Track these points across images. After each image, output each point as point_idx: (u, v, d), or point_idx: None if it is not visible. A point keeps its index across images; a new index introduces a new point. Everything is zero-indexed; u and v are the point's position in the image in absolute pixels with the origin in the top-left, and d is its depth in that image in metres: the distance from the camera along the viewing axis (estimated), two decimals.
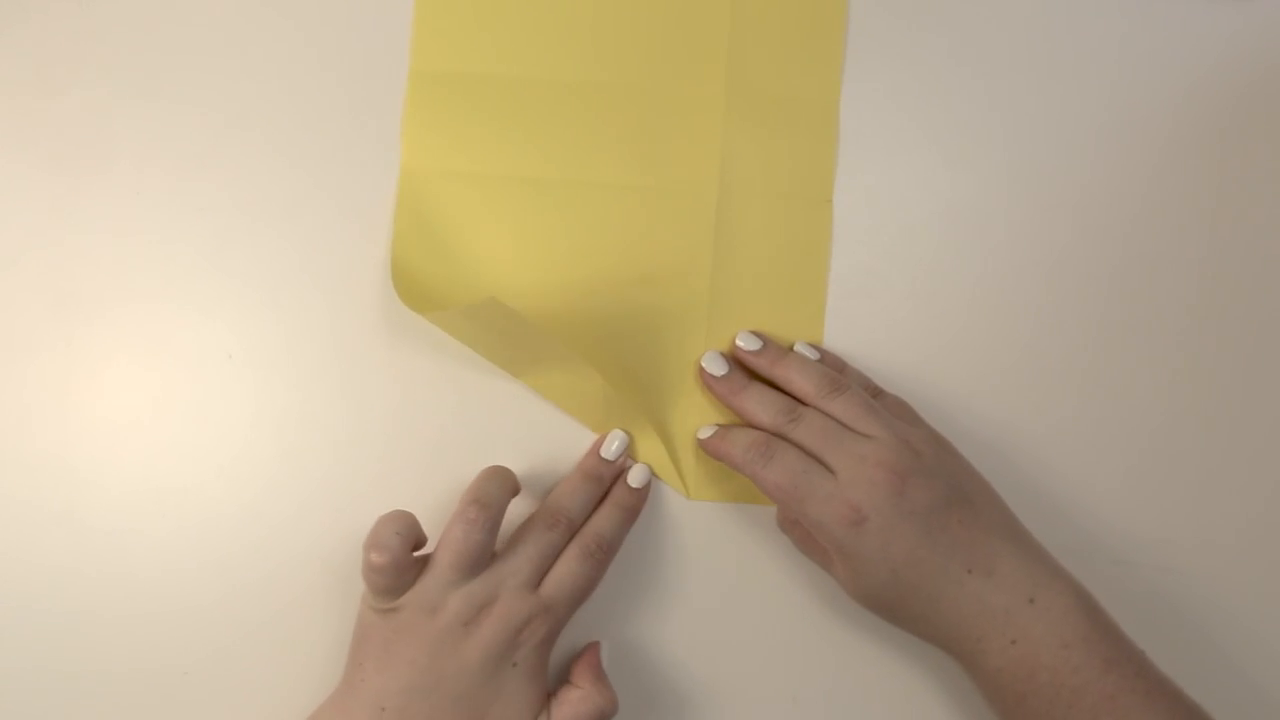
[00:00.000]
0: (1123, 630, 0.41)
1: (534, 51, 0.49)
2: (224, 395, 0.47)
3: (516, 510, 0.45)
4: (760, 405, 0.45)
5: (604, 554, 0.44)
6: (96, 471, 0.47)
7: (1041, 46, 0.50)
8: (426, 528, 0.42)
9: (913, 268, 0.49)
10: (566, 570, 0.43)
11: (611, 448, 0.47)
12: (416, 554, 0.42)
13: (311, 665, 0.45)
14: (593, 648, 0.45)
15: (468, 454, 0.47)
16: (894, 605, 0.42)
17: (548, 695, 0.43)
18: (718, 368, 0.46)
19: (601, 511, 0.46)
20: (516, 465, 0.47)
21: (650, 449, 0.48)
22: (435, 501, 0.45)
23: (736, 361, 0.47)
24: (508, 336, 0.45)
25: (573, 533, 0.44)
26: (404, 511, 0.42)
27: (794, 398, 0.45)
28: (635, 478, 0.47)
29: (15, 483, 0.47)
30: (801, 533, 0.46)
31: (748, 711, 0.47)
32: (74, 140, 0.48)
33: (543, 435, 0.47)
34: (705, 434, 0.46)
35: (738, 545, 0.48)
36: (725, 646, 0.47)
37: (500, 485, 0.43)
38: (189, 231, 0.48)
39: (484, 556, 0.42)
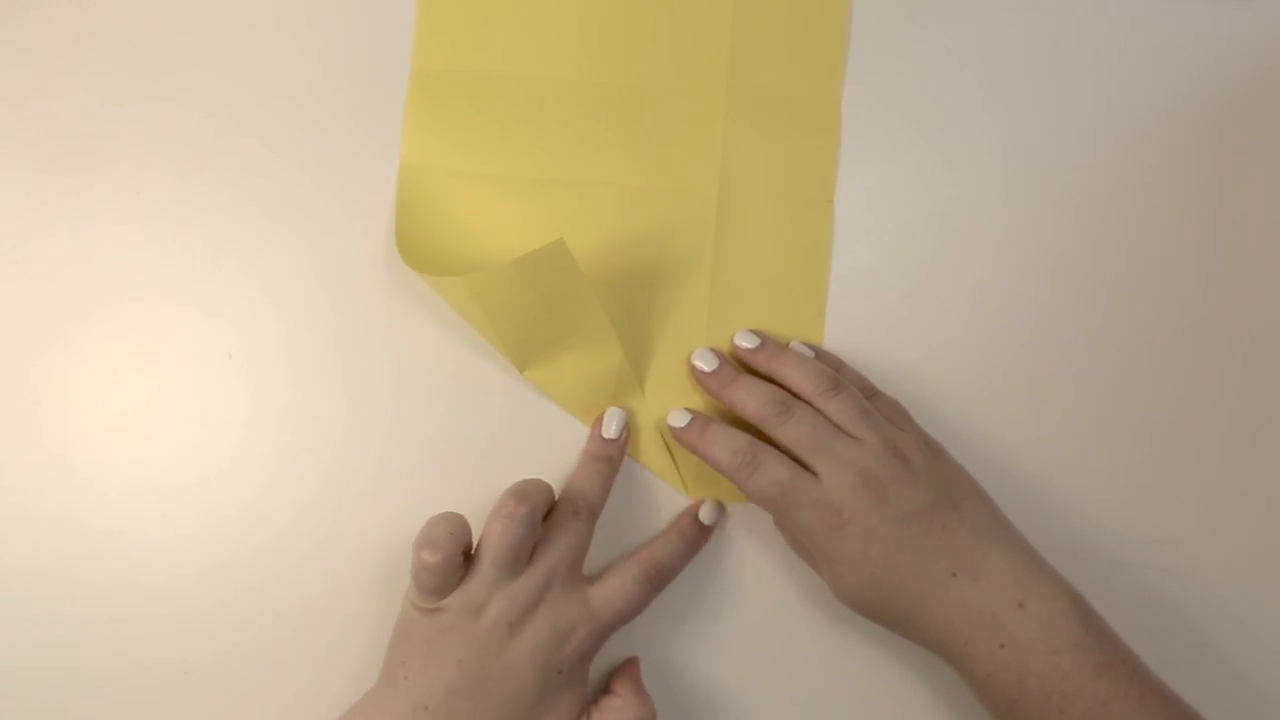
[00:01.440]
0: (1118, 635, 0.41)
1: (536, 51, 0.49)
2: (224, 394, 0.47)
3: None
4: (749, 396, 0.45)
5: (660, 581, 0.44)
6: (97, 471, 0.47)
7: (1042, 47, 0.50)
8: None
9: (913, 268, 0.49)
10: (621, 587, 0.43)
11: (611, 426, 0.46)
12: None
13: (312, 664, 0.45)
14: (633, 661, 0.46)
15: (468, 453, 0.47)
16: (879, 608, 0.42)
17: (586, 704, 0.43)
18: (707, 363, 0.46)
19: (666, 539, 0.46)
20: (517, 464, 0.47)
21: (650, 447, 0.48)
22: (437, 500, 0.45)
23: (731, 358, 0.47)
24: (543, 295, 0.44)
25: (595, 515, 0.44)
26: (456, 513, 0.42)
27: (792, 395, 0.45)
28: (706, 515, 0.46)
29: (15, 483, 0.47)
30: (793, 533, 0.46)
31: (747, 712, 0.47)
32: (74, 140, 0.48)
33: (545, 434, 0.47)
34: (679, 421, 0.46)
35: (736, 545, 0.48)
36: (724, 647, 0.47)
37: (537, 486, 0.43)
38: (189, 231, 0.48)
39: (524, 552, 0.42)
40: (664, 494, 0.48)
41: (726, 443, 0.44)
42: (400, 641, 0.42)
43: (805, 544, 0.44)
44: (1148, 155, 0.49)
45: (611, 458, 0.46)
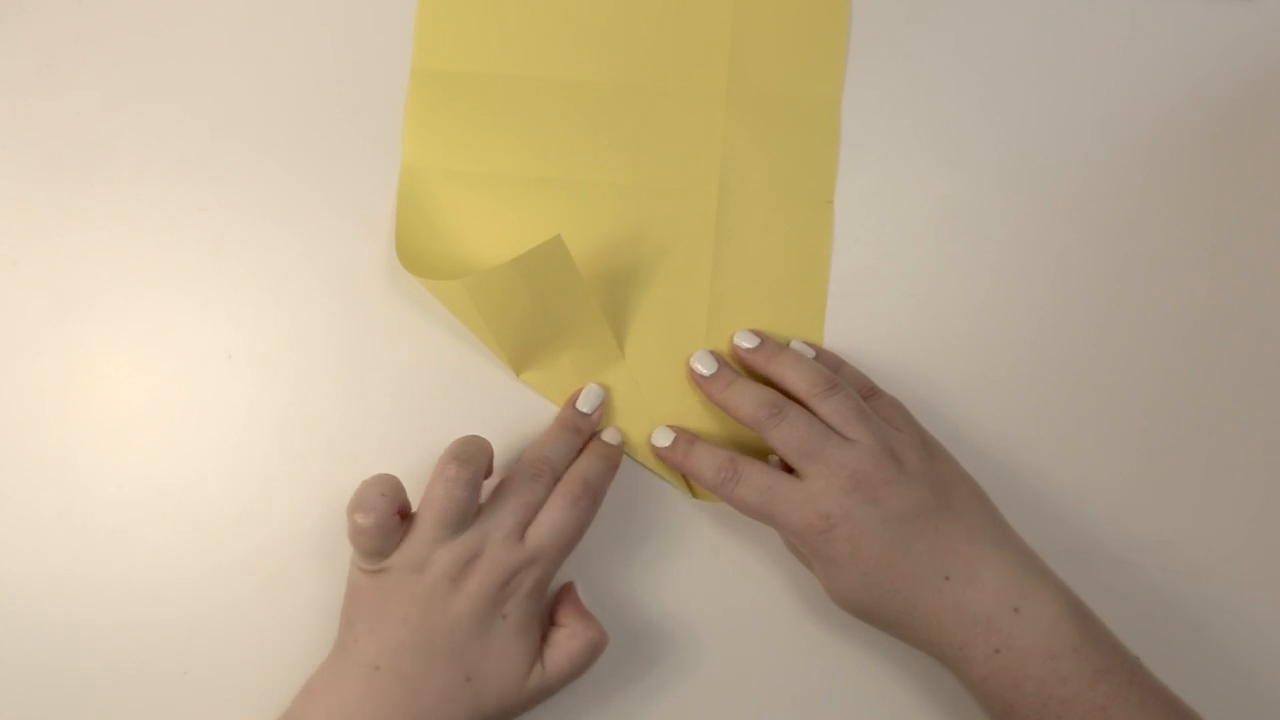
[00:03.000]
0: (1116, 638, 0.41)
1: (536, 51, 0.49)
2: (223, 394, 0.47)
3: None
4: (743, 399, 0.45)
5: (589, 500, 0.44)
6: (97, 470, 0.47)
7: (1042, 47, 0.50)
8: None
9: (913, 268, 0.49)
10: (550, 518, 0.43)
11: (589, 401, 0.47)
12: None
13: (313, 663, 0.45)
14: (568, 587, 0.46)
15: None
16: (872, 610, 0.42)
17: (539, 648, 0.43)
18: (706, 366, 0.46)
19: (584, 457, 0.45)
20: (514, 462, 0.47)
21: (651, 448, 0.47)
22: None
23: (732, 359, 0.47)
24: (540, 295, 0.44)
25: (556, 481, 0.44)
26: (388, 475, 0.42)
27: (790, 396, 0.45)
28: (609, 437, 0.47)
29: (15, 482, 0.47)
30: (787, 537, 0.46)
31: (746, 711, 0.47)
32: (74, 140, 0.48)
33: (541, 433, 0.47)
34: (662, 441, 0.46)
35: (738, 545, 0.48)
36: (725, 646, 0.47)
37: (478, 447, 0.43)
38: (189, 231, 0.48)
39: (467, 513, 0.42)
40: (665, 494, 0.48)
41: (709, 460, 0.44)
42: (350, 605, 0.43)
43: (798, 547, 0.44)
44: (1148, 155, 0.49)
45: (581, 429, 0.46)
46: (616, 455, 0.46)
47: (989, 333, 0.49)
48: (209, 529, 0.47)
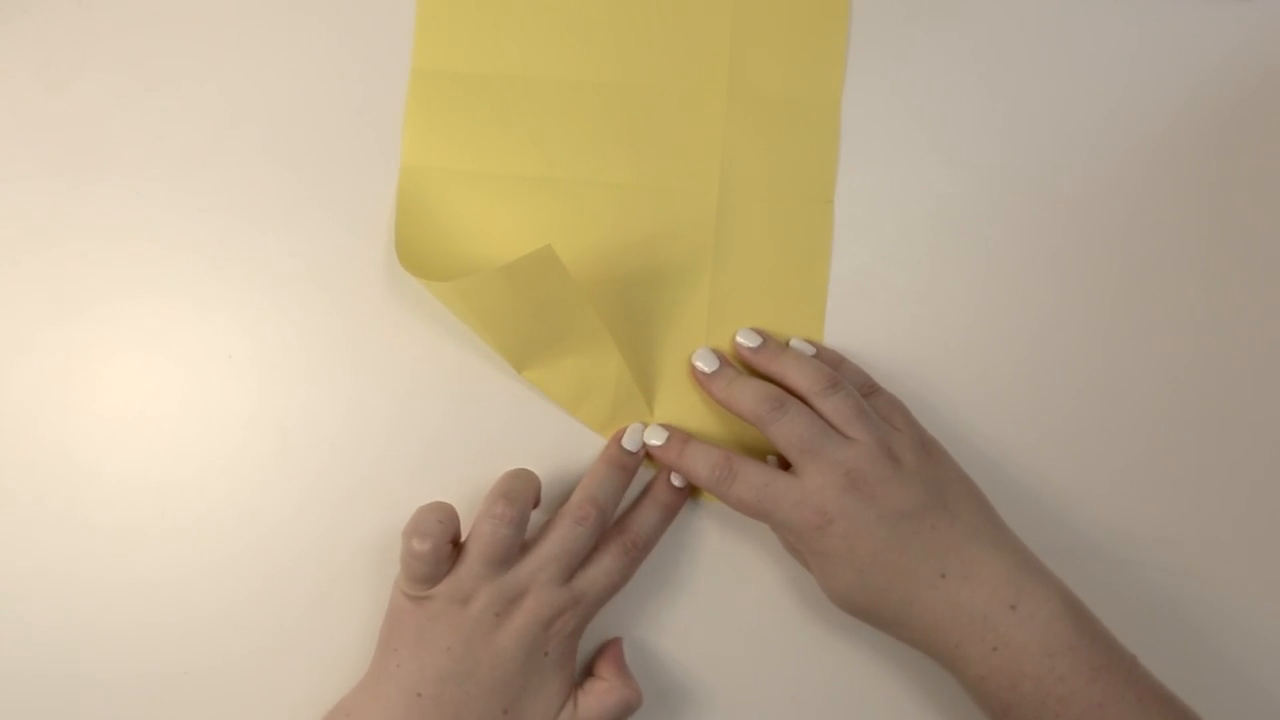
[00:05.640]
0: (1113, 636, 0.41)
1: (536, 51, 0.49)
2: (224, 394, 0.47)
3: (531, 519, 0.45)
4: (744, 395, 0.45)
5: (640, 552, 0.45)
6: (97, 470, 0.47)
7: (1043, 47, 0.50)
8: None
9: (913, 268, 0.49)
10: (603, 568, 0.44)
11: (633, 439, 0.46)
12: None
13: (312, 662, 0.45)
14: (615, 643, 0.46)
15: (467, 454, 0.47)
16: (868, 608, 0.42)
17: (574, 684, 0.43)
18: (708, 364, 0.46)
19: (643, 510, 0.46)
20: (515, 464, 0.47)
21: None
22: (436, 499, 0.45)
23: (733, 358, 0.47)
24: (535, 302, 0.44)
25: (603, 524, 0.44)
26: (445, 502, 0.42)
27: (791, 393, 0.45)
28: (678, 480, 0.47)
29: (16, 481, 0.47)
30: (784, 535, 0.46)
31: (747, 711, 0.47)
32: (74, 140, 0.48)
33: (543, 436, 0.48)
34: (656, 440, 0.46)
35: (738, 545, 0.48)
36: (725, 646, 0.47)
37: (526, 483, 0.44)
38: (189, 231, 0.48)
39: (511, 551, 0.42)
40: None
41: (704, 458, 0.44)
42: (391, 629, 0.43)
43: (795, 545, 0.44)
44: (1148, 155, 0.49)
45: (627, 467, 0.46)
46: (679, 501, 0.47)
47: (989, 333, 0.49)
48: (209, 529, 0.47)
